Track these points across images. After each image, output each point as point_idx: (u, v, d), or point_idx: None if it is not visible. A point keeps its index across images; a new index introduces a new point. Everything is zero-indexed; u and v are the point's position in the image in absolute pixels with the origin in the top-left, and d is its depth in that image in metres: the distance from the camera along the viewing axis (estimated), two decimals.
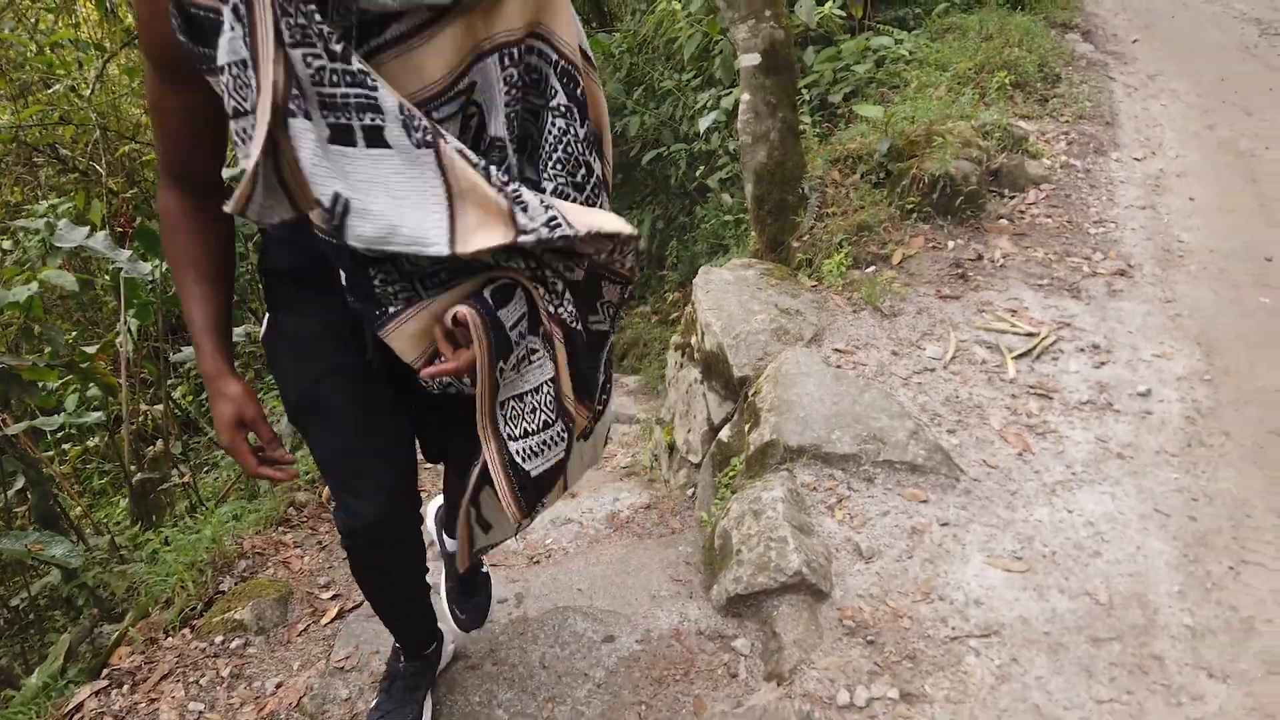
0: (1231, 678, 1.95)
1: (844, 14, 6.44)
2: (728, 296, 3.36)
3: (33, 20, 7.77)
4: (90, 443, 5.85)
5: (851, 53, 6.32)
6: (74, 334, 6.58)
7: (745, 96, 4.29)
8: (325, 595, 2.93)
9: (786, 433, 2.54)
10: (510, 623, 2.28)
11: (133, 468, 4.37)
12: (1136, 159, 5.24)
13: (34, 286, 3.87)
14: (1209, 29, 9.27)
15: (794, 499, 2.35)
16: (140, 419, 4.91)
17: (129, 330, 4.50)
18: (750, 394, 2.84)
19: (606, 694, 1.97)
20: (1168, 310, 3.55)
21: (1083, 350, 3.27)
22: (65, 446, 5.50)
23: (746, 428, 2.73)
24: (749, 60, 4.24)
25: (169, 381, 5.57)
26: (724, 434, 3.05)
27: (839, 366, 3.02)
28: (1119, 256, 3.99)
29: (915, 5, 8.22)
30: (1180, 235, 4.23)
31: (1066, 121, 5.80)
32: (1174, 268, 3.92)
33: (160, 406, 5.02)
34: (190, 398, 6.09)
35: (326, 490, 4.06)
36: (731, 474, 2.81)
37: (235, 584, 3.03)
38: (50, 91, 7.37)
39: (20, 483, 3.74)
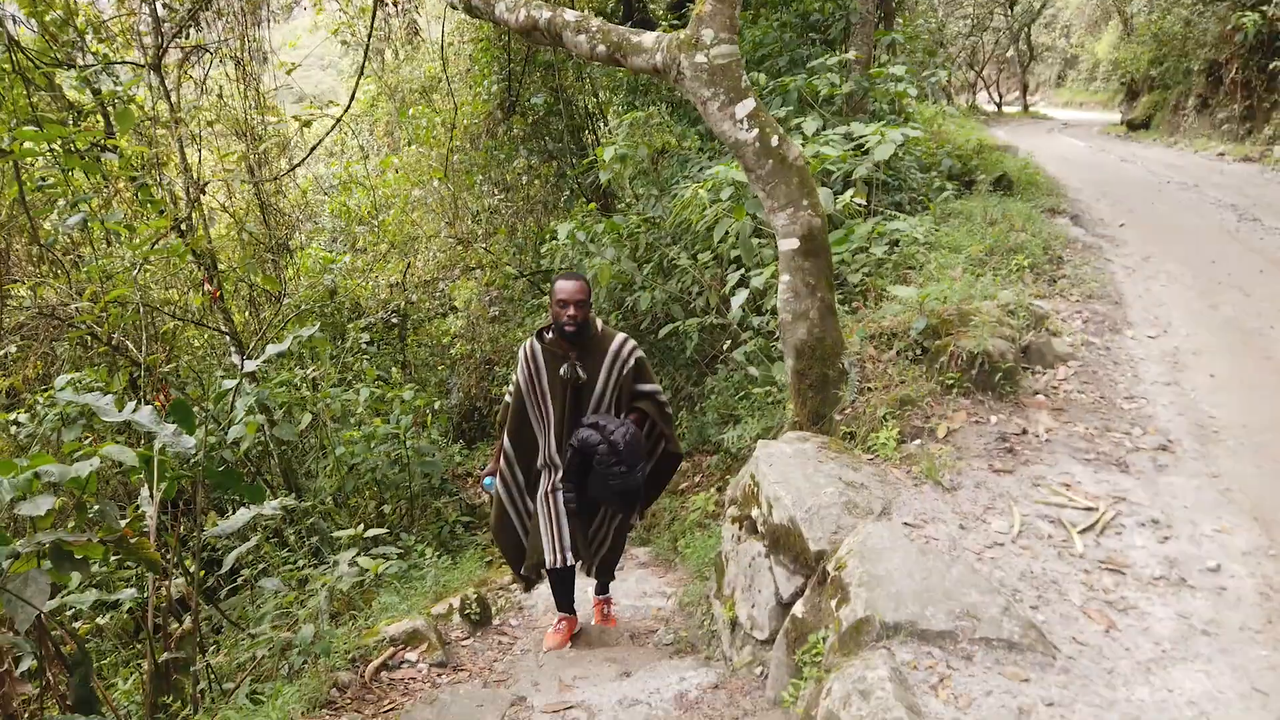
0: None
1: (858, 202, 6.85)
2: (792, 470, 3.44)
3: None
4: (100, 620, 5.70)
5: (863, 236, 6.67)
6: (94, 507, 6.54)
7: (785, 278, 4.51)
8: None
9: (881, 609, 2.56)
10: None
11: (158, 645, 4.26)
12: (1150, 337, 5.48)
13: (95, 462, 3.90)
14: (1188, 214, 9.86)
15: (898, 678, 2.34)
16: (164, 597, 4.83)
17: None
18: (831, 568, 2.86)
19: None
20: (1216, 485, 3.65)
21: (1143, 525, 3.33)
22: (75, 625, 5.37)
23: (833, 603, 2.74)
24: (788, 245, 4.49)
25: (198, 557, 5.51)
26: (798, 609, 3.05)
27: (912, 540, 3.06)
28: (1158, 432, 4.12)
29: (911, 191, 8.76)
30: (1210, 411, 4.39)
31: (1077, 301, 6.09)
32: (1212, 443, 4.04)
33: (181, 580, 4.95)
34: (203, 572, 6.00)
35: (369, 669, 3.98)
36: (815, 651, 2.80)
37: None
38: (85, 270, 7.63)
39: (27, 663, 3.61)
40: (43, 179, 5.96)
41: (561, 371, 4.02)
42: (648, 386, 4.22)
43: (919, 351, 4.62)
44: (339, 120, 6.91)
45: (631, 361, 4.12)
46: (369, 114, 15.72)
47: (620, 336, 4.14)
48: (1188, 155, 16.65)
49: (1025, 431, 4.06)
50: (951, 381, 4.35)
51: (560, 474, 4.05)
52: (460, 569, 6.37)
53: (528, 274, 13.45)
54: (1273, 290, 6.54)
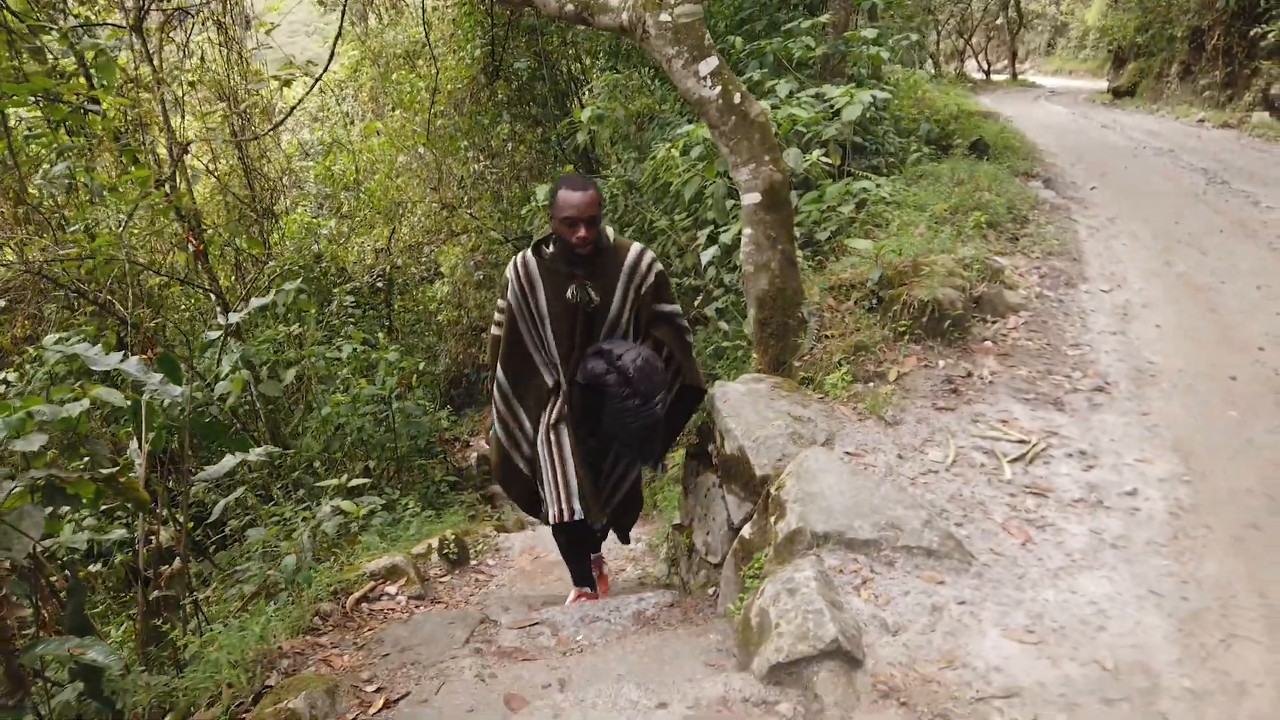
0: None
1: (827, 162, 7.03)
2: (744, 406, 3.65)
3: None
4: (93, 568, 5.90)
5: (834, 195, 6.86)
6: (85, 457, 6.74)
7: (748, 231, 4.70)
8: (370, 688, 3.06)
9: (812, 520, 2.79)
10: (564, 697, 2.44)
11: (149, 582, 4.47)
12: (1104, 291, 5.70)
13: (85, 403, 4.08)
14: (1159, 178, 10.07)
15: (824, 579, 2.57)
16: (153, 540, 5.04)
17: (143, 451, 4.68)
18: (773, 489, 3.09)
19: None
20: (1145, 422, 3.88)
21: (1071, 455, 3.56)
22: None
23: (773, 519, 2.97)
24: (750, 199, 4.67)
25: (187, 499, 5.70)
26: (745, 532, 3.27)
27: (847, 464, 3.29)
28: (1096, 375, 4.34)
29: (887, 154, 8.93)
30: (1150, 358, 4.61)
31: (1037, 257, 6.30)
32: (1147, 385, 4.27)
33: (172, 526, 5.15)
34: (191, 523, 6.22)
35: (350, 600, 4.20)
36: (757, 567, 3.02)
37: (281, 679, 3.15)
38: (73, 230, 7.76)
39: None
40: (30, 129, 6.06)
41: (569, 294, 3.37)
42: (667, 307, 3.60)
43: (875, 301, 4.83)
44: (318, 80, 7.04)
45: (651, 277, 3.49)
46: (352, 80, 15.76)
47: (636, 247, 3.47)
48: (1168, 122, 16.82)
49: (970, 374, 4.28)
50: (904, 329, 4.56)
51: (564, 412, 3.55)
52: (444, 521, 6.59)
53: (513, 239, 13.60)
54: (1229, 249, 6.77)
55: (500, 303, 3.56)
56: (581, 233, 3.23)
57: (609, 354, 3.32)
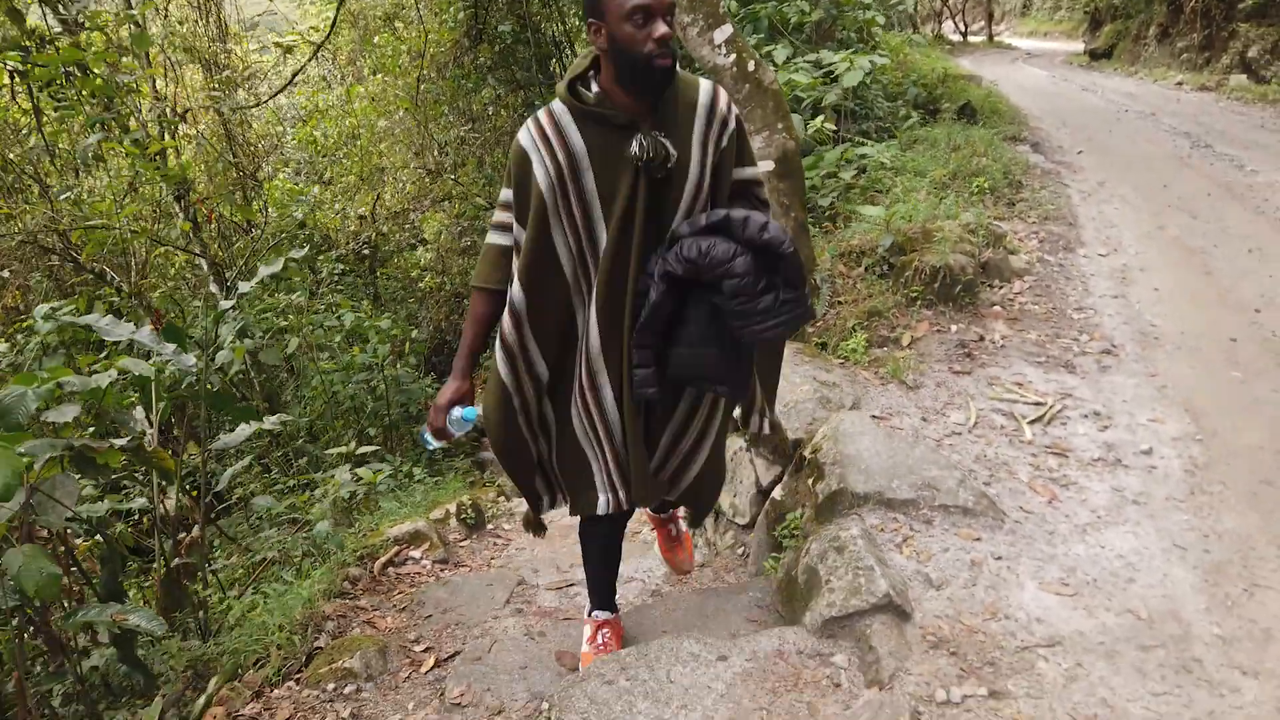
0: (1261, 674, 2.28)
1: (829, 128, 7.08)
2: None
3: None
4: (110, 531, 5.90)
5: (833, 162, 6.91)
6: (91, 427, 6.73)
7: None
8: (418, 648, 3.14)
9: (852, 481, 2.88)
10: (628, 650, 2.53)
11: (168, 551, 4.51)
12: (1101, 255, 5.83)
13: (113, 373, 4.09)
14: (1143, 142, 10.20)
15: (868, 537, 2.67)
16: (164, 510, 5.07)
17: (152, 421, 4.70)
18: (808, 452, 3.18)
19: (730, 702, 2.23)
20: (1153, 383, 4.01)
21: (1086, 417, 3.69)
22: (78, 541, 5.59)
23: (810, 481, 3.06)
24: (764, 166, 4.72)
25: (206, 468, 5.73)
26: (776, 493, 3.37)
27: (879, 427, 3.39)
28: (1103, 338, 4.47)
29: (877, 119, 8.99)
30: (1152, 320, 4.75)
31: (1034, 222, 6.41)
32: (1152, 348, 4.40)
33: (187, 497, 5.17)
34: (195, 492, 6.23)
35: (378, 565, 4.26)
36: (793, 527, 3.12)
37: (330, 641, 3.22)
38: (63, 198, 7.65)
39: None
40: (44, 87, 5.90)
41: (634, 150, 2.10)
42: (751, 171, 2.38)
43: (886, 268, 4.92)
44: (320, 46, 6.94)
45: (733, 123, 2.25)
46: (331, 42, 15.50)
47: (706, 83, 2.24)
48: (1147, 84, 16.96)
49: (982, 338, 4.39)
50: (915, 294, 4.65)
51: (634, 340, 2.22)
52: (446, 488, 6.65)
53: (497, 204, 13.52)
54: (1218, 213, 6.91)
55: (505, 194, 2.26)
56: (663, 29, 2.00)
57: (732, 227, 2.10)
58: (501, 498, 6.56)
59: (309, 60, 7.99)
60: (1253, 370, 4.11)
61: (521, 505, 5.64)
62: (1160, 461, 3.34)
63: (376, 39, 13.06)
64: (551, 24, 13.21)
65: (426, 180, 13.82)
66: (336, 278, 11.02)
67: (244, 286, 5.35)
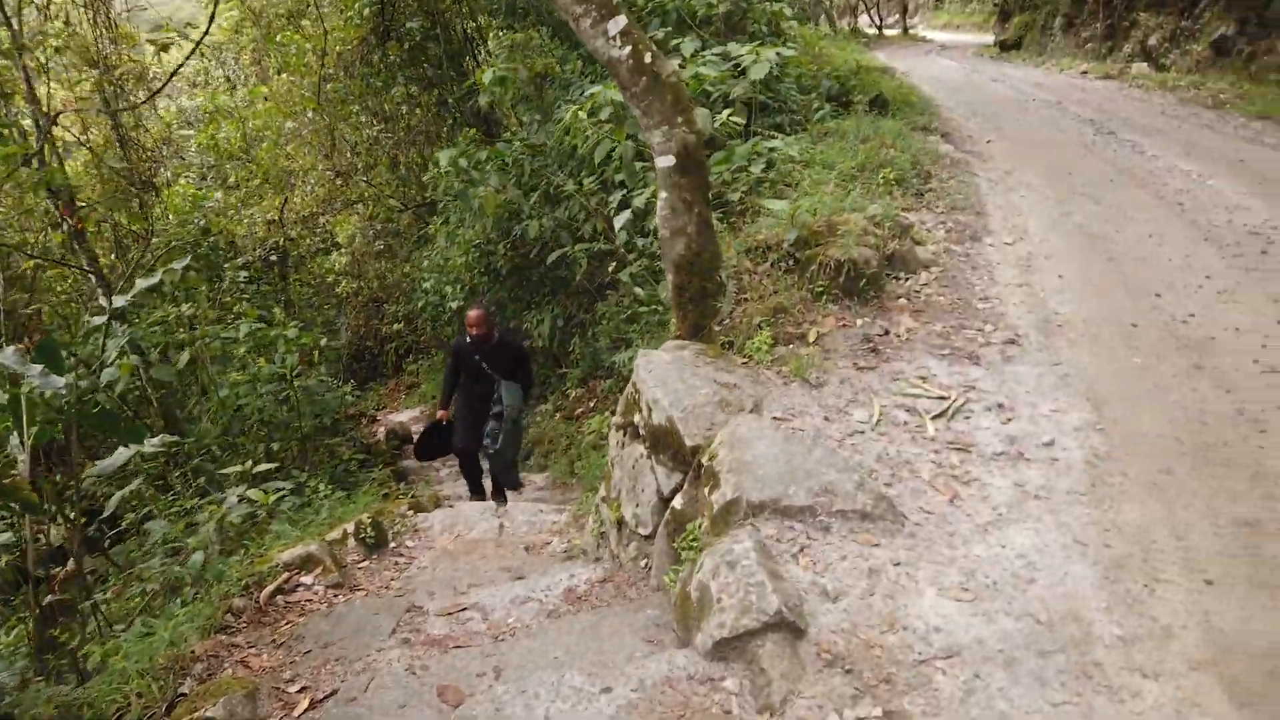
0: (1161, 676, 2.21)
1: (736, 121, 6.97)
2: (669, 375, 3.59)
3: None
4: None
5: (743, 155, 6.81)
6: None
7: (663, 195, 4.60)
8: (293, 689, 2.92)
9: (747, 490, 2.75)
10: (504, 688, 2.36)
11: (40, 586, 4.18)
12: (1007, 243, 5.83)
13: None
14: (1050, 130, 10.36)
15: (762, 549, 2.54)
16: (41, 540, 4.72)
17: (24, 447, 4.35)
18: (705, 459, 3.04)
19: None
20: (1056, 372, 3.98)
21: (989, 409, 3.63)
22: None
23: (706, 489, 2.93)
24: (665, 162, 4.57)
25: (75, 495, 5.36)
26: (677, 502, 3.23)
27: (778, 430, 3.27)
28: (1007, 327, 4.43)
29: (791, 113, 8.93)
30: (1056, 308, 4.73)
31: (942, 212, 6.40)
32: (1055, 336, 4.38)
33: (62, 528, 4.83)
34: (84, 519, 5.86)
35: (265, 594, 4.00)
36: (691, 538, 2.98)
37: (196, 685, 2.97)
38: None
39: None
40: None
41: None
42: None
43: (791, 262, 4.82)
44: (198, 44, 6.58)
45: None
46: (233, 42, 14.94)
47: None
48: (1054, 74, 17.33)
49: (888, 332, 4.32)
50: (821, 289, 4.56)
51: None
52: (356, 503, 6.38)
53: (412, 206, 13.20)
54: (1120, 198, 7.00)
55: None
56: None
57: None
58: (418, 512, 6.31)
59: (187, 58, 7.58)
60: (1153, 355, 4.11)
61: (427, 520, 5.42)
62: (1062, 453, 3.28)
63: (279, 37, 12.59)
64: (462, 20, 12.91)
65: (337, 182, 13.42)
66: (243, 285, 10.56)
67: (120, 300, 5.03)
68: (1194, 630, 2.37)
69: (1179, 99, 12.44)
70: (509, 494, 7.01)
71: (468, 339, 6.32)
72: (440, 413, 6.68)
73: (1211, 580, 2.57)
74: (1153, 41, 15.64)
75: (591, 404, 9.25)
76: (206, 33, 6.50)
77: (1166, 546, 2.73)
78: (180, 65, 8.21)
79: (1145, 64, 15.41)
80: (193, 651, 3.23)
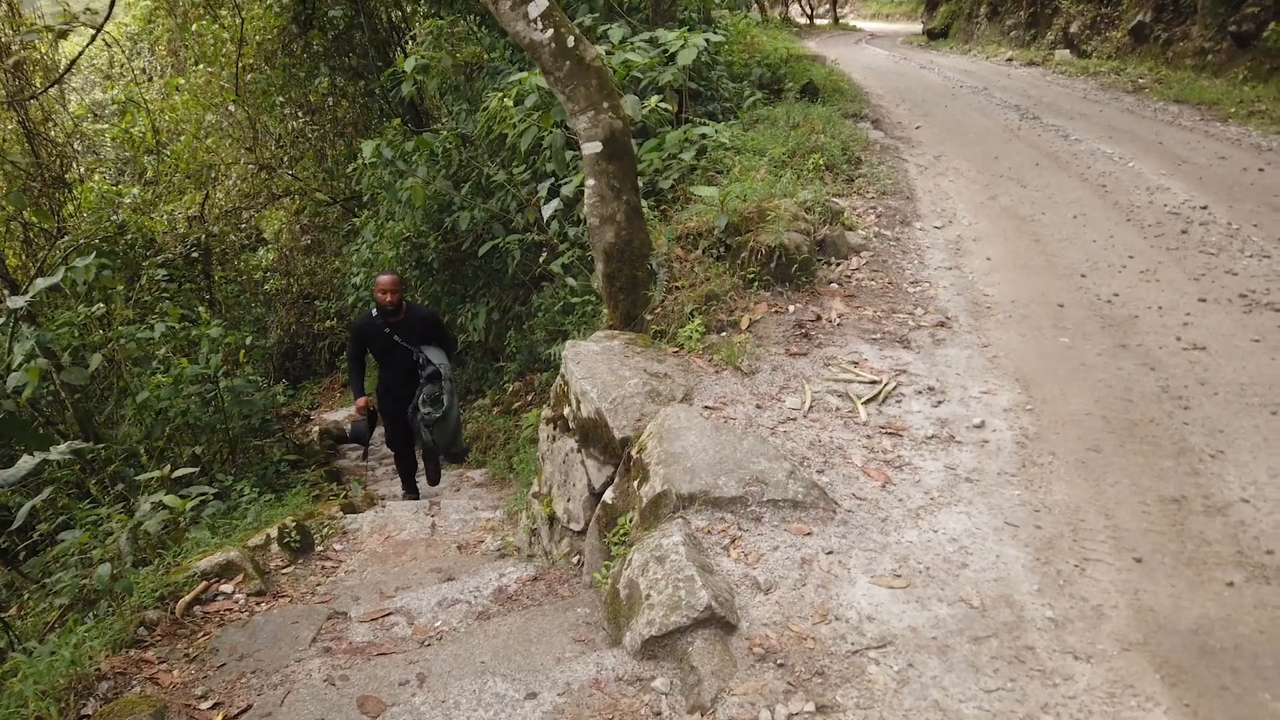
0: (1093, 658, 2.19)
1: (665, 108, 6.89)
2: (598, 365, 3.50)
3: None
4: None
5: (674, 142, 6.73)
6: None
7: (590, 182, 4.51)
8: (205, 706, 2.76)
9: (677, 482, 2.68)
10: (423, 698, 2.25)
11: None
12: (937, 227, 5.85)
13: None
14: (977, 115, 10.49)
15: (692, 542, 2.47)
16: None
17: None
18: (634, 452, 2.96)
19: None
20: (985, 353, 3.98)
21: (920, 392, 3.61)
22: None
23: (636, 483, 2.84)
24: (591, 148, 4.47)
25: None
26: (608, 496, 3.14)
27: (708, 420, 3.20)
28: (937, 310, 4.43)
29: (723, 100, 8.89)
30: (985, 290, 4.76)
31: (872, 197, 6.41)
32: (984, 317, 4.39)
33: None
34: None
35: (180, 605, 3.82)
36: (622, 533, 2.90)
37: (100, 706, 2.80)
38: None
39: None
40: None
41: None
42: None
43: (723, 249, 4.75)
44: (98, 31, 6.25)
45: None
46: (147, 31, 14.39)
47: None
48: (980, 61, 17.63)
49: (819, 318, 4.28)
50: (753, 275, 4.51)
51: None
52: (286, 505, 6.18)
53: (341, 200, 12.86)
54: (1045, 181, 7.10)
55: None
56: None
57: None
58: (348, 514, 6.14)
59: (87, 45, 7.22)
60: (1080, 334, 4.15)
61: (356, 522, 5.25)
62: (992, 435, 3.27)
63: (195, 26, 12.12)
64: (387, 8, 12.59)
65: (261, 176, 13.01)
66: (163, 284, 10.18)
67: (17, 301, 4.76)
68: (1124, 610, 2.36)
69: (1100, 84, 12.73)
70: (442, 476, 6.85)
71: (373, 313, 5.85)
72: (361, 400, 6.12)
73: (1140, 558, 2.58)
74: (1074, 28, 15.98)
75: (529, 397, 9.12)
76: (107, 18, 6.19)
77: (1096, 525, 2.73)
78: (79, 55, 7.84)
79: (1068, 50, 15.74)
80: (98, 669, 3.05)
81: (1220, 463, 3.06)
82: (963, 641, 2.24)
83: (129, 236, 10.61)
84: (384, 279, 5.88)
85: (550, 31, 4.29)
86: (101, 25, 6.04)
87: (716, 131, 6.84)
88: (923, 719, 1.99)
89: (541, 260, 7.23)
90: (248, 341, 9.61)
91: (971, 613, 2.34)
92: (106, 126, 12.31)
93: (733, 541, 2.58)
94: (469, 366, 10.95)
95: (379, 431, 7.15)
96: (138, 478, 6.08)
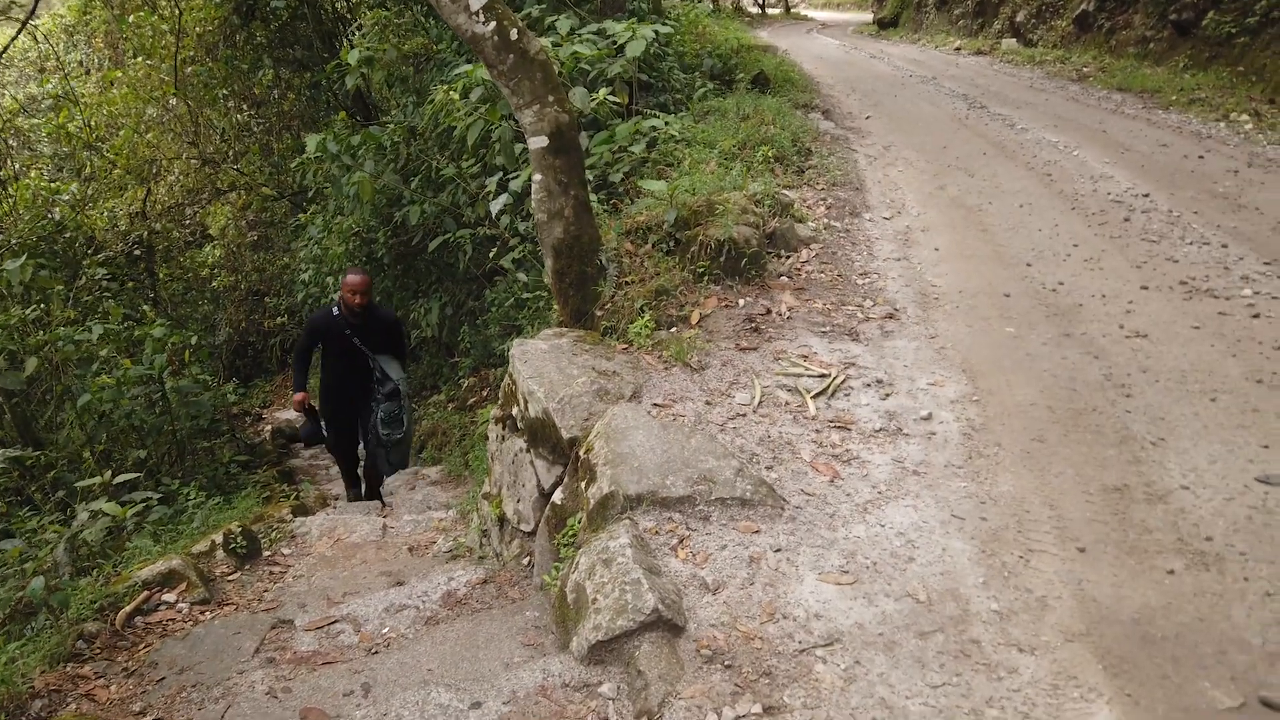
0: (1037, 650, 2.21)
1: (614, 101, 6.84)
2: (546, 364, 3.46)
3: None
4: None
5: (625, 135, 6.69)
6: None
7: (537, 177, 4.45)
8: None
9: (624, 483, 2.65)
10: (368, 710, 2.20)
11: None
12: (886, 218, 5.89)
13: None
14: (926, 105, 10.57)
15: (640, 544, 2.44)
16: None
17: None
18: (582, 452, 2.93)
19: None
20: (933, 345, 4.01)
21: (869, 385, 3.62)
22: None
23: (583, 484, 2.81)
24: (538, 142, 4.42)
25: None
26: (557, 497, 3.11)
27: (656, 419, 3.18)
28: (886, 302, 4.46)
29: (674, 91, 8.85)
30: (933, 280, 4.79)
31: (822, 189, 6.43)
32: (932, 308, 4.42)
33: None
34: None
35: (120, 616, 3.71)
36: (571, 534, 2.87)
37: None
38: None
39: None
40: None
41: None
42: None
43: (672, 243, 4.73)
44: (25, 23, 6.03)
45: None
46: (83, 23, 13.97)
47: None
48: (929, 51, 17.79)
49: (770, 311, 4.28)
50: (703, 269, 4.49)
51: None
52: (236, 508, 6.05)
53: (288, 195, 12.62)
54: (992, 170, 7.17)
55: None
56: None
57: None
58: (297, 516, 6.02)
59: (15, 38, 6.99)
60: (1025, 324, 4.19)
61: (304, 525, 5.16)
62: (939, 427, 3.29)
63: (132, 18, 11.79)
64: None
65: (205, 171, 12.71)
66: (105, 283, 9.90)
67: None
68: (1068, 600, 2.38)
69: (1046, 73, 12.91)
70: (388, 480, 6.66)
71: (335, 310, 5.58)
72: (299, 395, 5.81)
73: (1084, 548, 2.60)
74: (1020, 18, 16.18)
75: (484, 393, 9.03)
76: (32, 13, 5.98)
77: (1040, 516, 2.75)
78: (5, 48, 7.58)
79: (1014, 39, 15.94)
80: (32, 687, 2.95)
81: (1161, 450, 3.11)
82: (909, 637, 2.24)
83: (68, 235, 10.31)
84: (354, 279, 5.62)
85: (493, 24, 4.23)
86: (27, 19, 5.84)
87: (667, 124, 6.81)
88: (869, 716, 1.99)
89: (492, 255, 7.15)
90: (193, 340, 9.39)
91: (918, 607, 2.35)
92: (41, 121, 11.94)
93: (681, 542, 2.56)
94: (423, 363, 10.82)
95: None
96: (76, 484, 5.92)
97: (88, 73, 14.23)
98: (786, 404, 3.46)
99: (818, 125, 8.72)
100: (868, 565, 2.52)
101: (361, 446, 6.47)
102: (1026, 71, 13.23)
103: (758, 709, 2.00)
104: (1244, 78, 10.07)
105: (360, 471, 6.58)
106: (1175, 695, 2.07)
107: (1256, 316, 4.13)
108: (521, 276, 6.51)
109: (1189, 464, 3.02)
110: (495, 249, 7.17)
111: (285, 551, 4.70)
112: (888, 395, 3.53)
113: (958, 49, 17.14)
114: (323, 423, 6.25)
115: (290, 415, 12.32)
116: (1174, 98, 9.89)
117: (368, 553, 4.54)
